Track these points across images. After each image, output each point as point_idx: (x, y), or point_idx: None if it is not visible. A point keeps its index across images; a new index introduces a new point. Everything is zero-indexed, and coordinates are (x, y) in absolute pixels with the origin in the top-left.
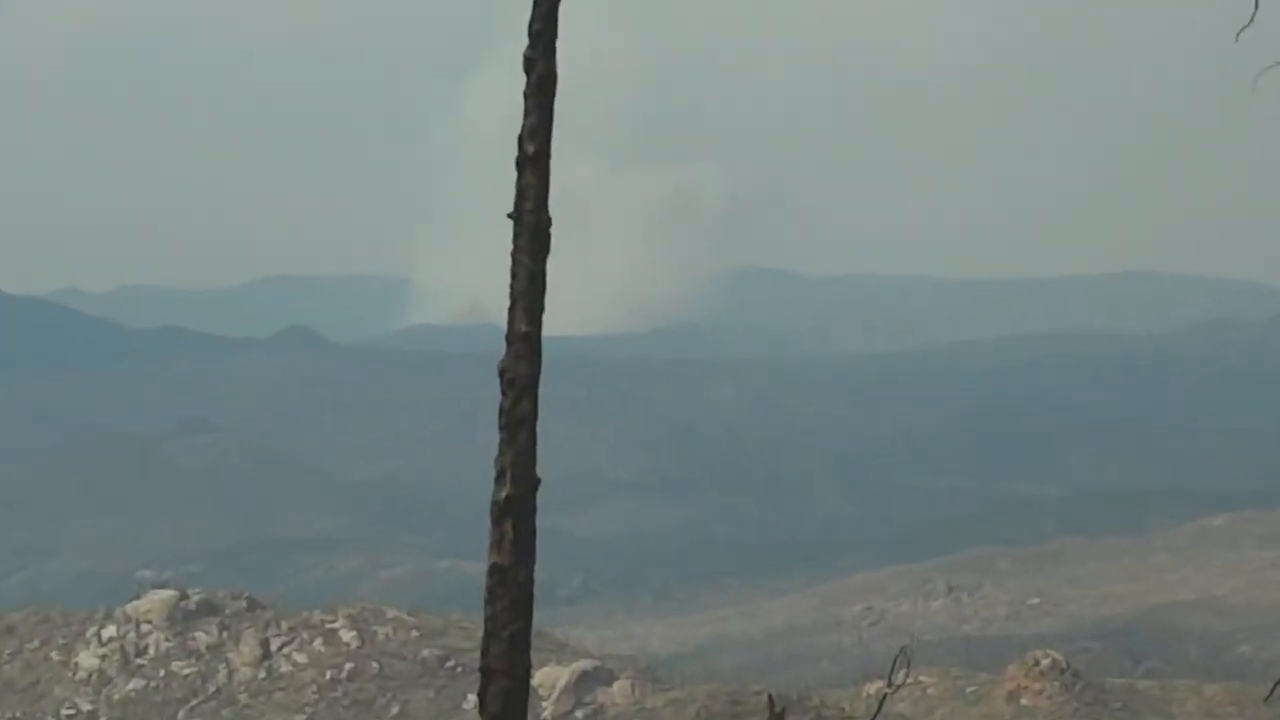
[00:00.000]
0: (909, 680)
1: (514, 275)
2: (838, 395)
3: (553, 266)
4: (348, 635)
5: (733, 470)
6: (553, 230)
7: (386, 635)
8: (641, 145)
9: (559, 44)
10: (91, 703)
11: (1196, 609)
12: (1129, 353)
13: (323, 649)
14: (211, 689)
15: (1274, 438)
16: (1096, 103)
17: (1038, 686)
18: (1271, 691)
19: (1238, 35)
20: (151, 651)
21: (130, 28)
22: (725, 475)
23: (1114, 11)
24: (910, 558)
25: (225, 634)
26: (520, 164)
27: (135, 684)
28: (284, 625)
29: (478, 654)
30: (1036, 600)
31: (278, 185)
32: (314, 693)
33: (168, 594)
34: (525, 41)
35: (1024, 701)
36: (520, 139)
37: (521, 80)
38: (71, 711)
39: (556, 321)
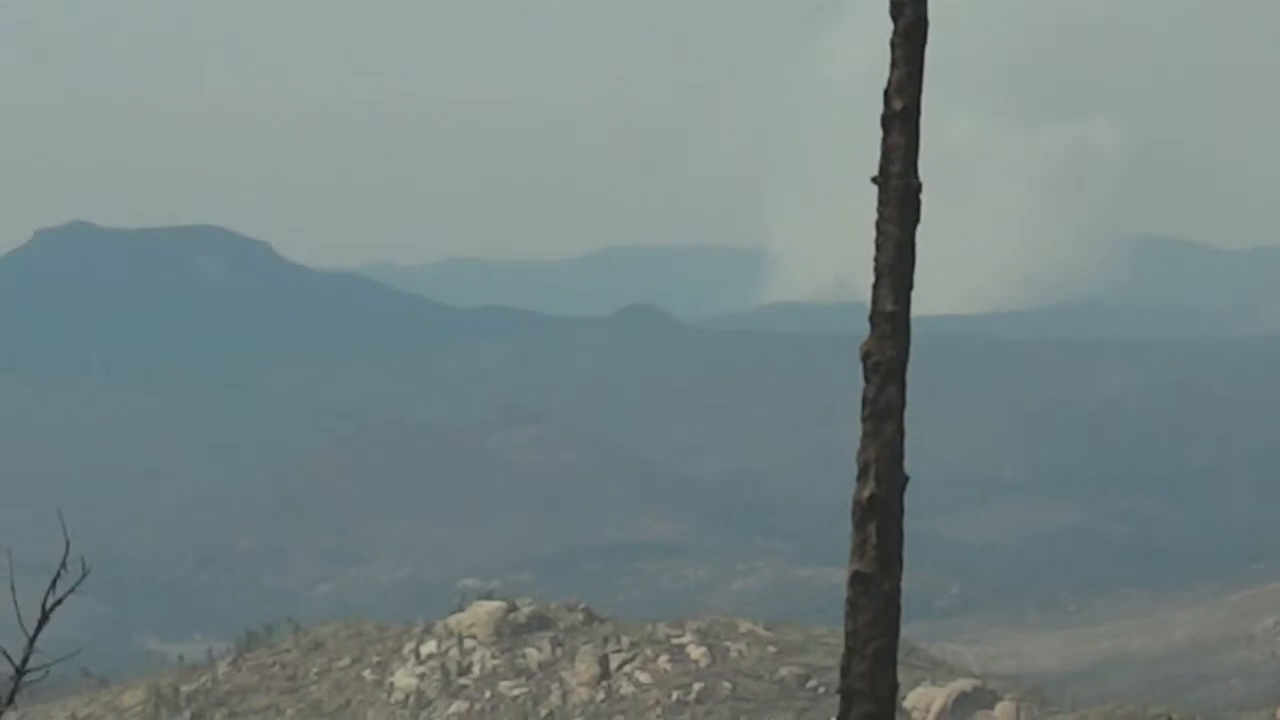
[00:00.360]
0: None
1: (879, 247)
2: (1258, 382)
3: (927, 236)
4: (696, 651)
5: (1135, 466)
6: (925, 196)
7: (740, 652)
8: (1029, 98)
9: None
10: None
11: None
12: None
13: (668, 667)
14: (544, 712)
15: None
16: None
17: None
18: None
19: None
20: (476, 670)
21: None
22: (1126, 472)
23: None
24: None
25: (559, 650)
26: (886, 121)
27: (458, 706)
28: (625, 640)
29: (839, 673)
30: None
31: (614, 146)
32: (659, 715)
33: (494, 605)
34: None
35: None
36: (886, 94)
37: (888, 27)
38: None
39: (933, 298)
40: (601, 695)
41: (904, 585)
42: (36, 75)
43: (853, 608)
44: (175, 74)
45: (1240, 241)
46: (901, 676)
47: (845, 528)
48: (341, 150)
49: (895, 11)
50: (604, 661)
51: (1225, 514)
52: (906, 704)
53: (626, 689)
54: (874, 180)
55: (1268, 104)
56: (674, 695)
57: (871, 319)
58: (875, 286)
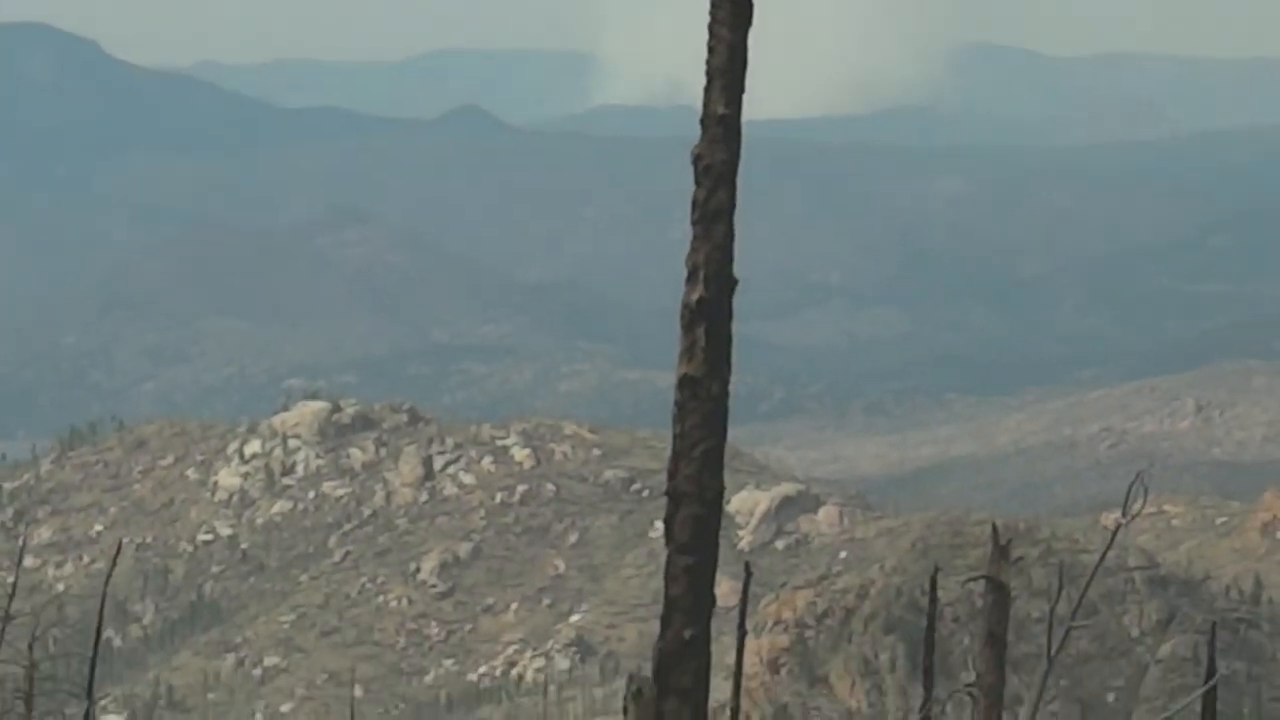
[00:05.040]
0: (1151, 510)
1: (711, 50)
2: (1083, 191)
3: (760, 40)
4: (521, 454)
5: (963, 274)
6: (765, 7)
7: (565, 454)
8: None
9: None
10: (232, 527)
11: None
12: None
13: (492, 469)
14: (367, 513)
15: None
16: None
17: None
18: None
19: None
20: (300, 470)
21: None
22: (953, 280)
23: None
24: (1156, 372)
25: (383, 451)
26: None
27: (281, 506)
28: (449, 442)
29: (665, 475)
30: None
31: None
32: (481, 518)
33: (318, 406)
34: None
35: None
36: None
37: None
38: (209, 537)
39: (764, 103)
40: (425, 496)
41: (732, 388)
42: None
43: (681, 411)
44: None
45: (1072, 49)
46: (726, 480)
47: (673, 331)
48: None
49: None
50: (428, 463)
51: (1051, 322)
52: (731, 508)
53: (450, 490)
54: None
55: None
56: (498, 497)
57: (703, 122)
58: (707, 89)
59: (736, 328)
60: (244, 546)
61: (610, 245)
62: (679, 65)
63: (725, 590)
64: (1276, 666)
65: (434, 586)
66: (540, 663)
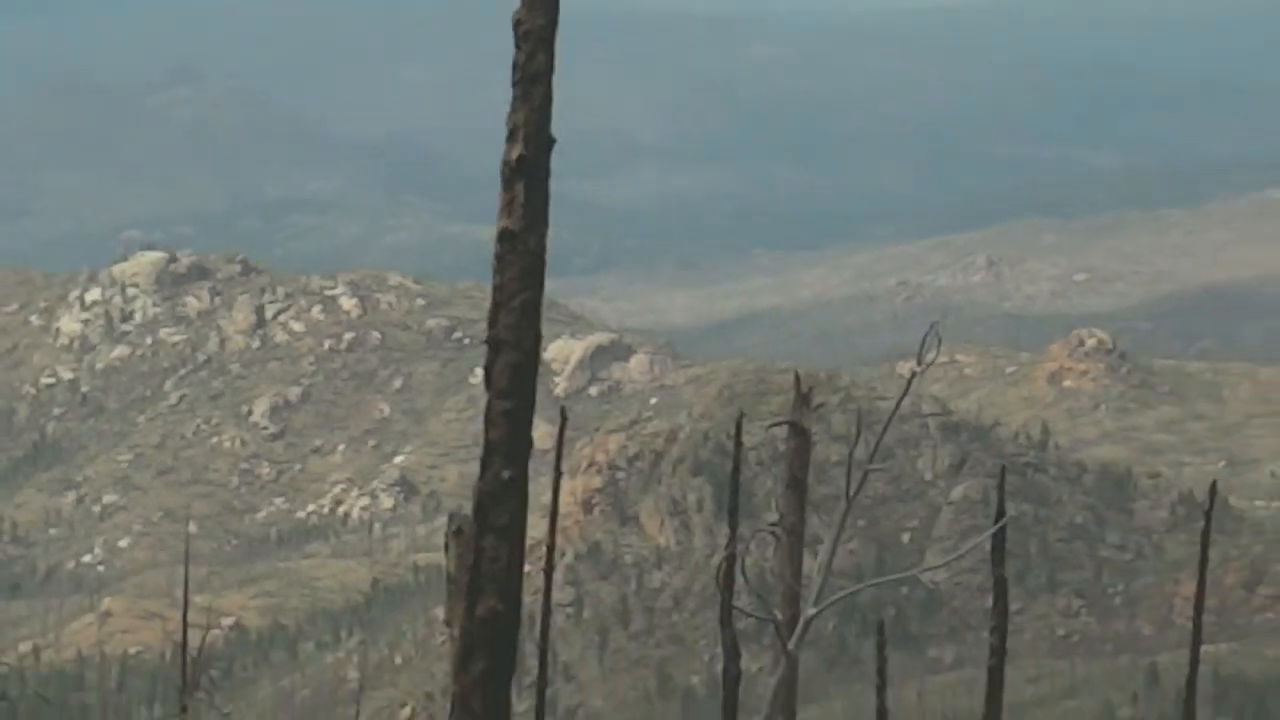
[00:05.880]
0: (944, 359)
1: None
2: (891, 54)
3: None
4: (348, 303)
5: (770, 133)
6: None
7: (390, 304)
8: None
9: None
10: (73, 370)
11: (1257, 286)
12: (1195, 6)
13: (321, 317)
14: (202, 358)
15: None
16: None
17: (1082, 367)
18: None
19: None
20: (138, 317)
21: None
22: (762, 138)
23: None
24: (952, 228)
25: (217, 300)
26: None
27: (120, 351)
28: (280, 291)
29: (486, 324)
30: (1084, 276)
31: None
32: (311, 364)
33: (156, 256)
34: None
35: (1067, 383)
36: None
37: None
38: (51, 380)
39: None
40: (257, 343)
41: (548, 243)
42: None
43: (500, 263)
44: None
45: None
46: (543, 330)
47: (495, 188)
48: None
49: None
50: (260, 311)
51: (855, 181)
52: (547, 355)
53: (281, 337)
54: None
55: None
56: (326, 344)
57: None
58: None
59: (554, 185)
60: (84, 390)
61: (435, 105)
62: None
63: (542, 434)
64: (1061, 509)
65: (265, 429)
66: (366, 501)
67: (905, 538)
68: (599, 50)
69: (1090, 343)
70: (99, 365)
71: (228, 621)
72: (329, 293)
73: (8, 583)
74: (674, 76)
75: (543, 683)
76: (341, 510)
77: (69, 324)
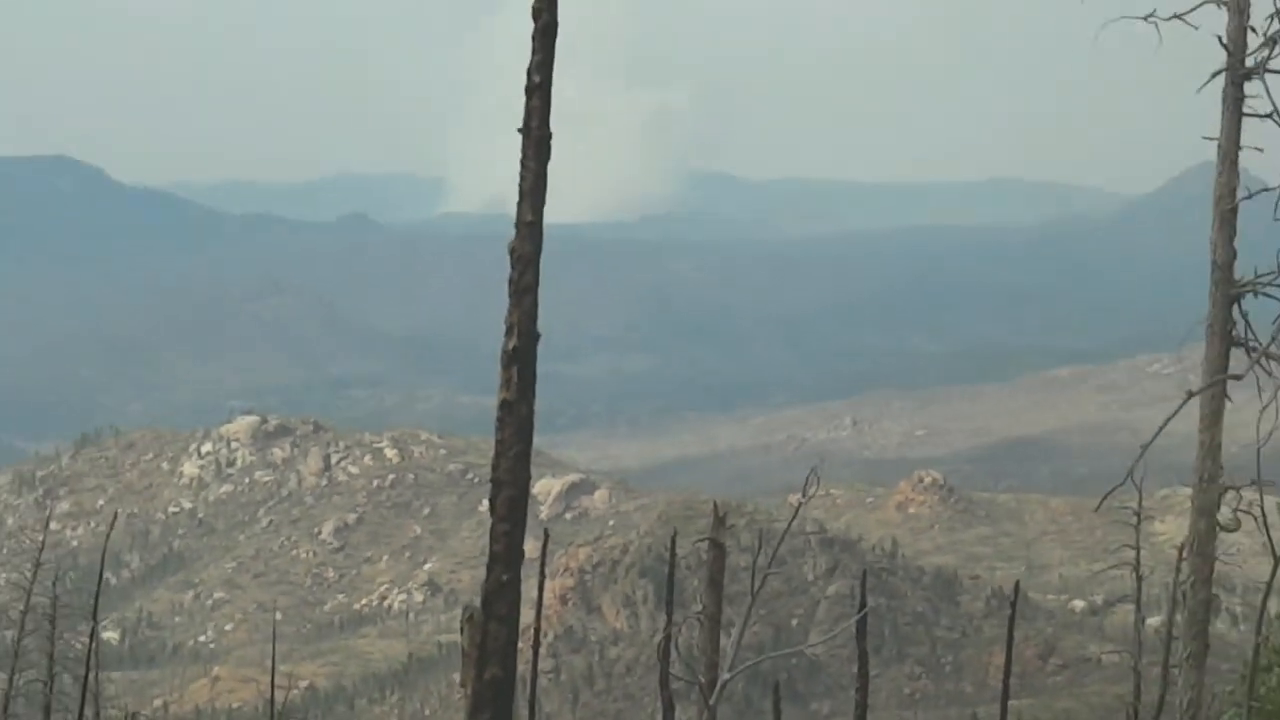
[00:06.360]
0: (822, 493)
1: (522, 177)
2: (777, 269)
3: (566, 165)
4: (390, 453)
5: (693, 328)
6: (554, 140)
7: (420, 453)
8: (632, 70)
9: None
10: (192, 502)
11: (1046, 439)
12: (1008, 238)
13: (371, 463)
14: (284, 493)
15: (1113, 307)
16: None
17: (921, 498)
18: (1100, 503)
19: None
20: (238, 463)
21: None
22: (686, 332)
23: None
24: (826, 397)
25: (295, 450)
26: (528, 90)
27: (226, 488)
28: (341, 444)
29: (490, 468)
30: (922, 432)
31: (340, 99)
32: (363, 497)
33: (251, 419)
34: None
35: (911, 510)
36: (529, 71)
37: (530, 25)
38: (176, 509)
39: (566, 208)
40: (324, 482)
41: (535, 408)
42: None
43: (501, 424)
44: None
45: (763, 174)
46: (532, 472)
47: (496, 368)
48: None
49: (535, 15)
50: (327, 459)
51: (754, 361)
52: (535, 490)
53: (342, 477)
54: (520, 131)
55: (785, 84)
56: (374, 482)
57: (516, 226)
58: (519, 204)
59: (540, 366)
60: (200, 516)
61: (452, 308)
62: (502, 186)
63: (530, 547)
64: (906, 601)
65: (330, 544)
66: (403, 596)
67: (794, 622)
68: (569, 268)
69: (927, 480)
70: (210, 498)
71: (303, 684)
72: (376, 445)
73: (146, 656)
74: (622, 287)
75: None
76: (385, 603)
77: (189, 468)
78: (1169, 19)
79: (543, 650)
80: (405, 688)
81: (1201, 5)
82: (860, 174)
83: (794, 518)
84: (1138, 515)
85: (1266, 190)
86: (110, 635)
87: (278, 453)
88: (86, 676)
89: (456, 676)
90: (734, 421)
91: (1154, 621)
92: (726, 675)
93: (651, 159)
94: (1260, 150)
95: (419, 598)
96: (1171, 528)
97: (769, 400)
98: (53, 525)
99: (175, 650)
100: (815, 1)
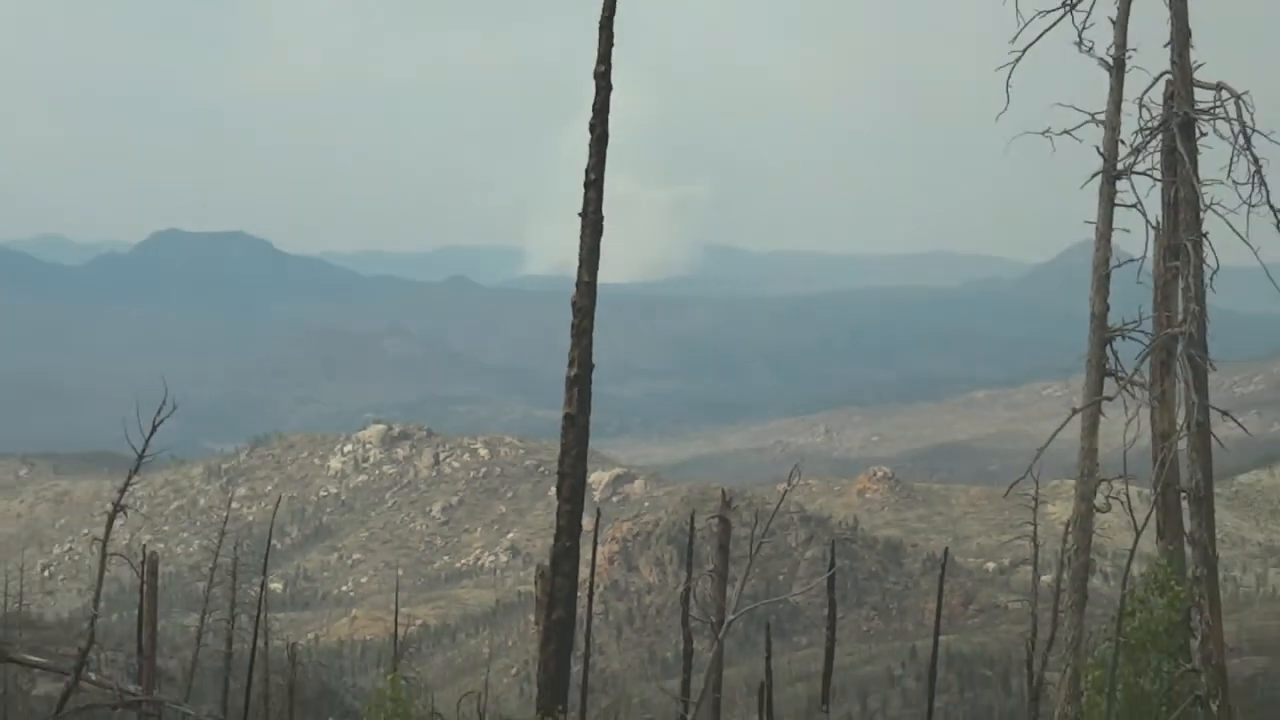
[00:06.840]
0: (802, 484)
1: (581, 248)
2: (771, 320)
3: (614, 239)
4: (484, 452)
5: (707, 362)
6: (606, 223)
7: (505, 452)
8: (664, 169)
9: (613, 113)
10: (336, 488)
11: (967, 444)
12: (942, 295)
13: (469, 459)
14: (405, 481)
15: (1018, 346)
16: (894, 127)
17: (875, 487)
18: (1008, 491)
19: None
20: (371, 459)
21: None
22: (702, 365)
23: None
24: (803, 412)
25: (413, 450)
26: (586, 185)
27: (362, 478)
28: (447, 446)
29: (557, 464)
30: (877, 438)
31: (450, 189)
32: (463, 484)
33: (380, 427)
34: (589, 113)
35: (867, 495)
36: (586, 170)
37: (587, 135)
38: (325, 493)
39: (614, 272)
40: (435, 474)
41: (591, 419)
42: None
43: (564, 431)
44: None
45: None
46: (587, 466)
47: (562, 390)
48: None
49: (591, 129)
50: (436, 456)
51: (751, 385)
52: (590, 480)
53: (447, 470)
54: (579, 215)
55: (774, 179)
56: (471, 474)
57: (577, 284)
58: (579, 268)
59: (594, 388)
60: (342, 498)
61: (530, 345)
62: (567, 255)
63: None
64: (864, 562)
65: (439, 519)
66: (492, 558)
67: (780, 578)
68: (616, 317)
69: (880, 474)
70: (350, 485)
71: (418, 622)
72: (473, 447)
73: (302, 601)
74: (655, 332)
75: (587, 654)
76: (479, 562)
77: (335, 463)
78: (1060, 134)
79: (595, 598)
80: (493, 626)
81: (1084, 125)
82: (835, 247)
83: (781, 501)
84: (1035, 500)
85: (1131, 261)
86: (275, 586)
87: (400, 452)
88: (258, 616)
89: (531, 617)
90: (736, 431)
91: (1047, 579)
92: (731, 617)
93: (678, 235)
94: (1127, 231)
95: (504, 559)
96: (1060, 509)
97: (762, 415)
98: (233, 505)
99: (324, 597)
100: (806, 111)
